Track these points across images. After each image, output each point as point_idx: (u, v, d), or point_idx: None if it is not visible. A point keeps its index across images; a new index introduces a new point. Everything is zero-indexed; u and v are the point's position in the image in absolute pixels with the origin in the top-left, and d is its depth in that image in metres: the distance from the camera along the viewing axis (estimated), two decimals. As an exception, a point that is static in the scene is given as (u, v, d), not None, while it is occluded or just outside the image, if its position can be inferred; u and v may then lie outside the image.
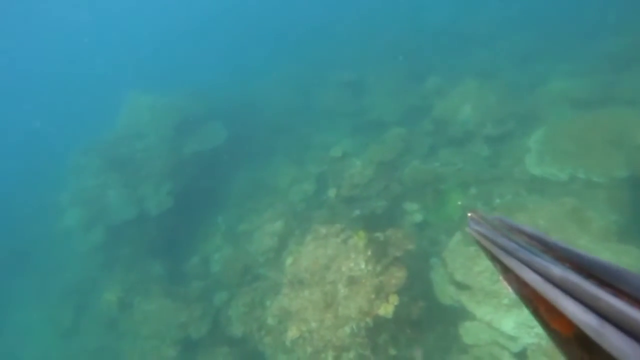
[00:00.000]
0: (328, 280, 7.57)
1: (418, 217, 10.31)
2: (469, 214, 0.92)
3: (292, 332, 7.81)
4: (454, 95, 12.44)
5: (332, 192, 11.12)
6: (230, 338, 10.16)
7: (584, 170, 9.13)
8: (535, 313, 0.62)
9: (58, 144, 17.85)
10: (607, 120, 9.72)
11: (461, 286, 8.06)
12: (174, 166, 13.99)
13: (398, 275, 7.25)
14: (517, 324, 7.10)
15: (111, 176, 13.71)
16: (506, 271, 0.69)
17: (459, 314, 8.00)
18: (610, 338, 0.42)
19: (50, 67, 38.64)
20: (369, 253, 7.46)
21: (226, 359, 9.86)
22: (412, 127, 12.90)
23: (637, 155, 9.08)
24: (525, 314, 7.12)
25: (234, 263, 11.09)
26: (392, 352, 7.26)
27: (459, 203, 10.43)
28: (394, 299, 7.05)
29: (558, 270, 0.54)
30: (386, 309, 6.97)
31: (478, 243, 0.82)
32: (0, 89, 36.79)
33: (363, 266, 7.41)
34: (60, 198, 14.07)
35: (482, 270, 7.86)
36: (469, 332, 7.64)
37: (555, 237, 0.65)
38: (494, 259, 0.74)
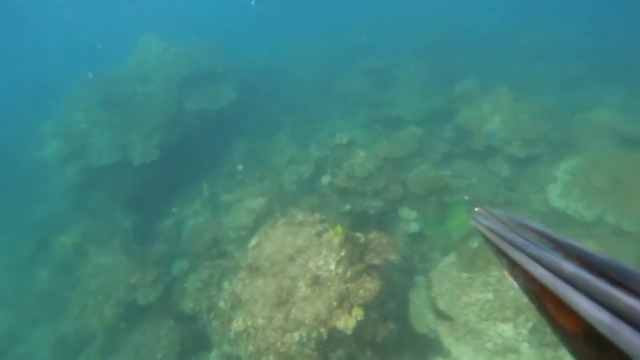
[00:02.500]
0: (288, 274, 6.43)
1: (414, 227, 9.10)
2: (476, 209, 0.93)
3: (238, 324, 6.73)
4: (483, 104, 11.11)
5: (325, 180, 9.96)
6: (179, 313, 9.16)
7: (615, 214, 7.79)
8: (541, 308, 0.62)
9: (65, 73, 16.92)
10: (654, 164, 8.33)
11: (442, 315, 6.85)
12: (170, 119, 12.95)
13: (369, 287, 6.08)
14: (497, 377, 5.91)
15: (102, 115, 12.75)
16: (513, 266, 0.70)
17: (432, 347, 6.81)
18: (625, 335, 0.41)
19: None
20: (343, 253, 6.30)
21: (169, 334, 8.83)
22: (431, 129, 11.63)
23: (680, 211, 7.70)
24: (509, 366, 5.93)
25: (203, 233, 10.06)
26: (344, 373, 6.12)
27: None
28: (358, 313, 5.89)
29: (570, 267, 0.53)
30: (346, 323, 5.82)
31: (484, 237, 0.83)
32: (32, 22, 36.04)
33: (332, 267, 6.26)
34: (44, 127, 13.16)
35: (470, 303, 6.65)
36: (438, 371, 6.47)
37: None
38: (500, 253, 0.74)
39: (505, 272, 0.76)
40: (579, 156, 9.26)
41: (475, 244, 8.56)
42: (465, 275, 7.02)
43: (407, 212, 9.26)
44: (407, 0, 26.07)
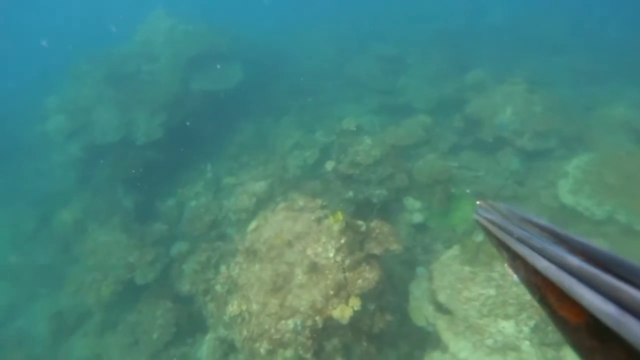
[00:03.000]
0: (285, 260, 6.28)
1: (417, 218, 8.90)
2: (478, 202, 0.92)
3: (233, 308, 6.62)
4: (495, 94, 10.77)
5: (329, 165, 9.75)
6: (177, 294, 9.09)
7: (627, 212, 7.53)
8: (542, 300, 0.62)
9: (73, 47, 16.73)
10: (670, 164, 8.02)
11: (442, 309, 6.68)
12: (175, 98, 12.77)
13: (368, 277, 5.91)
14: (495, 374, 5.74)
15: (107, 91, 12.59)
16: (514, 259, 0.69)
17: (430, 340, 6.66)
18: (631, 327, 0.41)
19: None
20: (343, 241, 6.12)
21: (165, 315, 8.77)
22: (440, 118, 11.33)
23: (695, 213, 7.42)
24: (508, 364, 5.76)
25: (203, 215, 9.94)
26: (339, 362, 6.00)
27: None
28: (355, 303, 5.74)
29: (575, 261, 0.53)
30: (342, 313, 5.67)
31: (485, 230, 0.83)
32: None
33: (331, 255, 6.09)
34: (48, 102, 13.03)
35: (472, 298, 6.46)
36: (434, 366, 6.32)
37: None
38: (501, 246, 0.74)
39: (506, 265, 0.76)
40: (592, 152, 8.95)
41: (479, 237, 8.35)
42: (467, 269, 6.83)
43: (411, 202, 9.05)
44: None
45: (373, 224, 6.69)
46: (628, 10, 18.08)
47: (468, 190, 9.14)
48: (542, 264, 0.59)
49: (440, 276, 6.88)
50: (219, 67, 13.38)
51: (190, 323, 8.78)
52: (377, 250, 6.38)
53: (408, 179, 9.22)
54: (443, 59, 14.20)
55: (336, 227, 6.16)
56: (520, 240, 0.67)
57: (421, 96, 12.48)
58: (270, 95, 15.14)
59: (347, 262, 5.98)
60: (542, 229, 0.69)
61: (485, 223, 0.82)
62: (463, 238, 8.12)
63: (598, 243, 0.56)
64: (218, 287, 7.97)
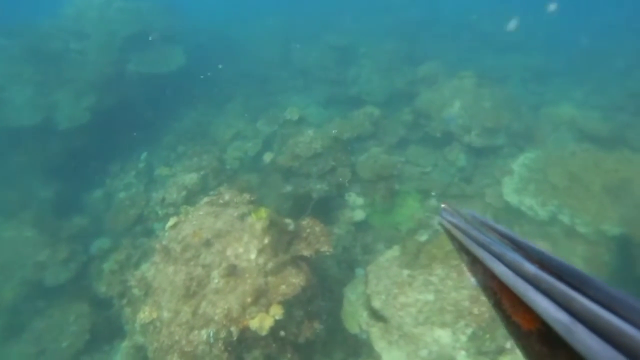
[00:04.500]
0: (202, 262, 5.55)
1: (359, 215, 8.37)
2: (443, 205, 0.93)
3: (144, 315, 5.83)
4: (445, 88, 10.39)
5: (268, 157, 9.05)
6: (93, 296, 8.15)
7: (570, 213, 7.29)
8: (497, 305, 0.63)
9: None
10: (613, 164, 7.87)
11: (377, 315, 6.16)
12: (106, 80, 11.63)
13: (293, 282, 5.28)
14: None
15: (26, 69, 11.26)
16: (474, 262, 0.71)
17: (362, 350, 6.14)
18: (580, 336, 0.42)
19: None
20: (266, 241, 5.46)
21: (79, 320, 7.84)
22: (389, 111, 10.85)
23: (635, 214, 7.28)
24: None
25: (128, 208, 9.01)
26: (259, 377, 5.36)
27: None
28: (276, 311, 5.09)
29: (531, 268, 0.54)
30: (261, 322, 5.01)
31: (447, 233, 0.85)
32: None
33: (253, 256, 5.41)
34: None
35: (408, 304, 5.97)
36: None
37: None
38: (462, 249, 0.76)
39: (465, 268, 0.76)
40: (538, 150, 8.73)
41: (423, 237, 7.92)
42: (406, 272, 6.34)
43: (353, 198, 8.51)
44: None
45: (304, 223, 6.07)
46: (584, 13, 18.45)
47: (414, 188, 8.72)
48: (499, 269, 0.59)
49: (376, 280, 6.36)
50: (150, 38, 12.32)
51: (109, 329, 7.89)
52: (306, 252, 5.76)
53: (351, 173, 8.67)
54: (397, 51, 13.73)
55: (259, 226, 5.48)
56: (480, 244, 0.68)
57: (372, 88, 11.96)
58: (216, 82, 14.21)
59: (270, 265, 5.32)
60: (502, 235, 0.70)
61: (449, 226, 0.84)
62: (406, 237, 7.66)
63: (540, 245, 0.60)
64: (136, 290, 7.15)
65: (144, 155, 11.39)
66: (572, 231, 7.22)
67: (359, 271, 7.49)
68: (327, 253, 5.88)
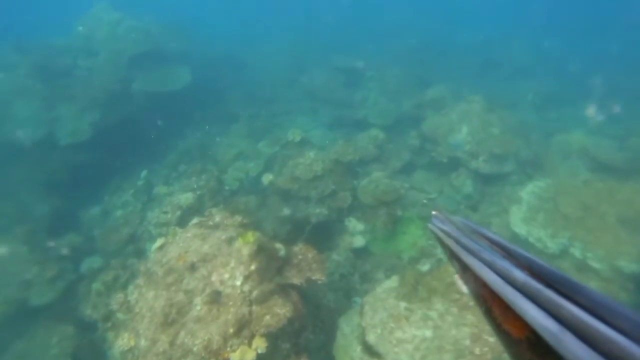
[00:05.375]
0: (184, 287, 5.21)
1: (359, 241, 7.99)
2: (434, 212, 0.92)
3: (122, 342, 5.48)
4: (453, 113, 10.09)
5: (266, 179, 8.78)
6: (79, 318, 7.82)
7: (582, 246, 6.83)
8: (488, 313, 0.63)
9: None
10: (629, 195, 7.42)
11: (371, 351, 5.71)
12: (112, 97, 11.59)
13: (279, 312, 4.91)
14: None
15: (33, 84, 11.30)
16: (465, 270, 0.70)
17: (354, 388, 5.68)
18: (568, 344, 0.42)
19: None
20: (253, 267, 5.12)
21: (61, 343, 7.50)
22: (395, 135, 10.57)
23: (654, 249, 6.79)
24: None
25: (121, 227, 8.76)
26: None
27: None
28: (259, 344, 4.71)
29: (521, 275, 0.54)
30: (243, 356, 4.63)
31: (439, 240, 0.83)
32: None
33: (238, 283, 5.07)
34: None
35: (404, 340, 5.54)
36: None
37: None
38: (453, 257, 0.75)
39: (456, 276, 0.77)
40: (548, 178, 8.32)
41: (426, 266, 7.53)
42: (403, 305, 5.92)
43: (353, 224, 8.15)
44: (393, 3, 25.21)
45: (296, 249, 5.73)
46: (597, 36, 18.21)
47: (417, 214, 8.34)
48: (489, 277, 0.58)
49: (372, 312, 5.94)
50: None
51: (92, 353, 7.53)
52: (297, 280, 5.41)
53: (352, 197, 8.34)
54: (405, 75, 13.58)
55: (245, 251, 5.15)
56: (471, 252, 0.67)
57: (378, 110, 11.73)
58: (223, 103, 14.15)
59: (255, 293, 4.97)
60: (493, 242, 0.69)
61: (440, 233, 0.81)
62: (407, 267, 7.27)
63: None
64: (120, 314, 6.83)
65: (144, 173, 11.20)
66: (585, 266, 6.75)
67: (357, 300, 7.08)
68: (320, 282, 5.51)
